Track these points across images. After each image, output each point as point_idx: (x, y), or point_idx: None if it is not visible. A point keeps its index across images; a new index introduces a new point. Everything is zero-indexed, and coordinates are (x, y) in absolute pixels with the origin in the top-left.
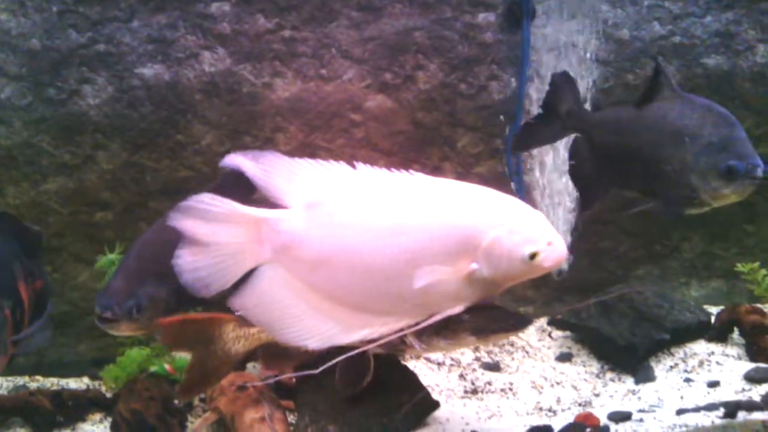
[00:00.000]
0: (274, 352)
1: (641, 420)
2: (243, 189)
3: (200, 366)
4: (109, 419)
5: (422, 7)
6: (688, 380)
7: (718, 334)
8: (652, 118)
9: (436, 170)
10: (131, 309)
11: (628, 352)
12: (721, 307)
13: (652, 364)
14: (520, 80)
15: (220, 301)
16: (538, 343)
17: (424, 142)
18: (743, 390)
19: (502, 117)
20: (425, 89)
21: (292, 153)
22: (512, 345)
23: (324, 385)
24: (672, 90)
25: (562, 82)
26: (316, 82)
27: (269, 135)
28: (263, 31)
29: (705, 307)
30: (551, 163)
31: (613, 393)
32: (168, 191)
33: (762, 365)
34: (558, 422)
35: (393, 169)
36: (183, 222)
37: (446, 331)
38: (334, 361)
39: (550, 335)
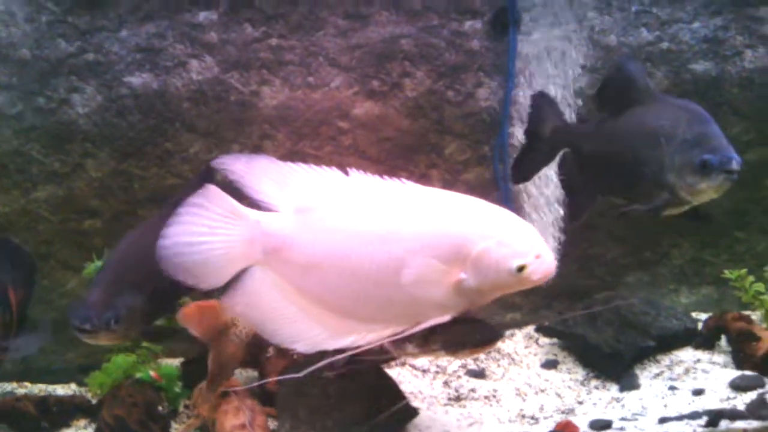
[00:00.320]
0: None
1: (622, 428)
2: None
3: (220, 354)
4: (94, 425)
5: (409, 14)
6: (672, 388)
7: (705, 341)
8: (630, 124)
9: (423, 177)
10: (109, 320)
11: (614, 360)
12: (711, 314)
13: (638, 371)
14: (507, 87)
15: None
16: (524, 350)
17: (411, 149)
18: (728, 398)
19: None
20: (412, 96)
21: (280, 160)
22: (499, 352)
23: (305, 392)
24: (649, 93)
25: (543, 103)
26: (303, 89)
27: (257, 143)
28: (251, 40)
29: (695, 314)
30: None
31: (597, 401)
32: (156, 199)
33: (748, 373)
34: (539, 430)
35: (384, 177)
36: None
37: (418, 339)
38: (316, 366)
39: (537, 342)
